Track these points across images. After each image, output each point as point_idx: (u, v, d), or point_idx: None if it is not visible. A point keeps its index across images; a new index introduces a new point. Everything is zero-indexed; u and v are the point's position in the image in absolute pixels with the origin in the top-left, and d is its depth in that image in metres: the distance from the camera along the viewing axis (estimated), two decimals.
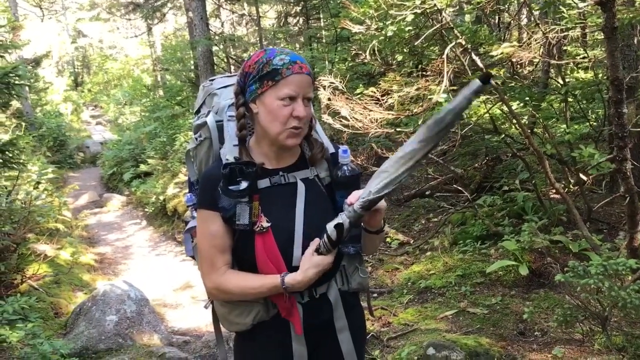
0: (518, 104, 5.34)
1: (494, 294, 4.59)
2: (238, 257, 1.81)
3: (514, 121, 4.96)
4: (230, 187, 1.70)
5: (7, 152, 4.85)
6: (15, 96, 4.90)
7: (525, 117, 5.87)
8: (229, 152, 1.78)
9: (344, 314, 1.88)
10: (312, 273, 1.69)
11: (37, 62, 17.28)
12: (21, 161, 5.18)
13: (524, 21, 9.22)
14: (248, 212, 1.71)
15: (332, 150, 1.90)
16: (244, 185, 1.70)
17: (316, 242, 1.71)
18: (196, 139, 1.92)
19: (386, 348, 4.01)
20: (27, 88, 14.53)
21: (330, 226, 1.67)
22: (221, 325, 1.97)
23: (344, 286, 1.90)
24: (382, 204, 1.69)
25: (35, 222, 6.65)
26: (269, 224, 1.74)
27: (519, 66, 6.76)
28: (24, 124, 12.50)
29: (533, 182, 5.38)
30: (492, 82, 1.42)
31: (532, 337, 3.81)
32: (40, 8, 25.50)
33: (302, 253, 1.73)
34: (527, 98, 5.07)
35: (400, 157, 1.52)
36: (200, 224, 1.82)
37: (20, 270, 5.93)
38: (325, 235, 1.68)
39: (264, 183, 1.79)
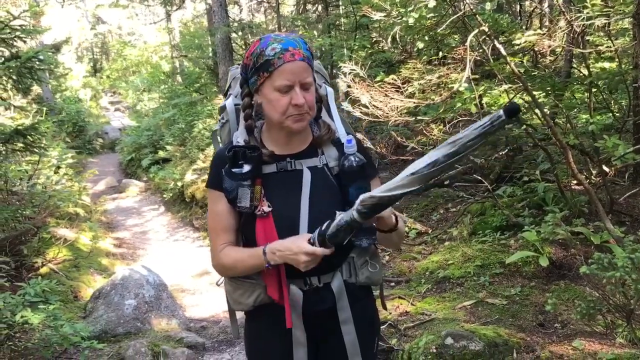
0: (540, 94, 5.26)
1: (513, 284, 4.55)
2: (244, 238, 1.86)
3: (536, 111, 4.89)
4: (233, 170, 1.74)
5: (28, 137, 4.89)
6: (36, 81, 4.93)
7: (547, 107, 5.79)
8: (240, 135, 1.83)
9: (349, 306, 1.86)
10: (285, 247, 1.69)
11: (57, 48, 17.37)
12: (42, 145, 5.22)
13: (546, 9, 9.07)
14: (249, 195, 1.74)
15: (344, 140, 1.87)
16: (246, 168, 1.74)
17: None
18: (219, 120, 1.99)
19: (404, 337, 3.99)
20: (47, 73, 14.64)
21: (321, 227, 1.66)
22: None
23: (351, 278, 1.88)
24: (385, 212, 1.65)
25: (55, 207, 6.74)
26: (270, 209, 1.76)
27: (540, 55, 6.65)
28: (44, 109, 12.61)
29: (554, 172, 5.31)
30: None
31: (552, 329, 3.78)
32: None
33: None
34: (549, 88, 4.99)
35: (410, 173, 1.46)
36: (209, 202, 1.89)
37: (41, 254, 6.01)
38: (318, 229, 1.68)
39: (270, 168, 1.81)
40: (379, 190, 1.51)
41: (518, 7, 8.47)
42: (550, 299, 3.50)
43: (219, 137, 2.02)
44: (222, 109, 1.98)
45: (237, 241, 1.87)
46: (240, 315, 2.03)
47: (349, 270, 1.88)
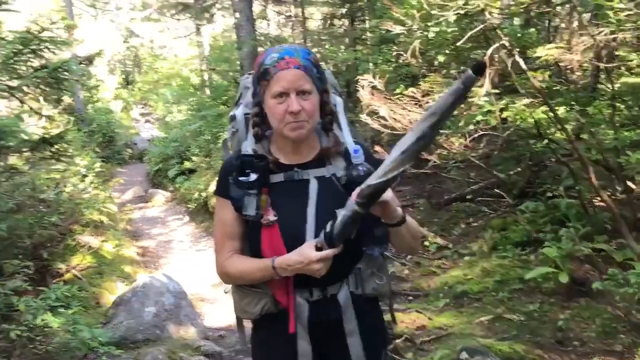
0: (565, 109, 5.20)
1: (532, 300, 4.49)
2: (250, 247, 1.87)
3: (559, 126, 4.84)
4: (240, 178, 1.76)
5: (55, 145, 5.00)
6: (64, 91, 5.05)
7: (572, 122, 5.71)
8: (249, 145, 1.86)
9: (355, 318, 1.86)
10: (294, 261, 1.70)
11: (90, 60, 17.72)
12: (69, 154, 5.33)
13: (575, 24, 8.96)
14: (255, 204, 1.76)
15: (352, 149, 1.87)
16: (253, 177, 1.76)
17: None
18: (230, 129, 2.01)
19: (419, 351, 3.97)
20: (78, 85, 14.98)
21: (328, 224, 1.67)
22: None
23: (358, 290, 1.88)
24: (387, 194, 1.62)
25: (80, 214, 6.86)
26: (276, 218, 1.77)
27: (569, 71, 6.56)
28: (72, 118, 12.88)
29: (577, 188, 5.24)
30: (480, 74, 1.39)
31: (571, 347, 3.71)
32: (95, 8, 26.28)
33: None
34: (573, 102, 4.93)
35: (399, 153, 1.49)
36: (216, 209, 1.93)
37: (66, 260, 6.13)
38: (322, 231, 1.68)
39: (277, 178, 1.83)
40: (374, 177, 1.53)
41: (547, 22, 8.38)
42: (564, 316, 3.44)
43: (229, 146, 2.04)
44: (232, 118, 2.00)
45: (242, 249, 1.89)
46: (248, 323, 2.05)
47: (355, 281, 1.88)
